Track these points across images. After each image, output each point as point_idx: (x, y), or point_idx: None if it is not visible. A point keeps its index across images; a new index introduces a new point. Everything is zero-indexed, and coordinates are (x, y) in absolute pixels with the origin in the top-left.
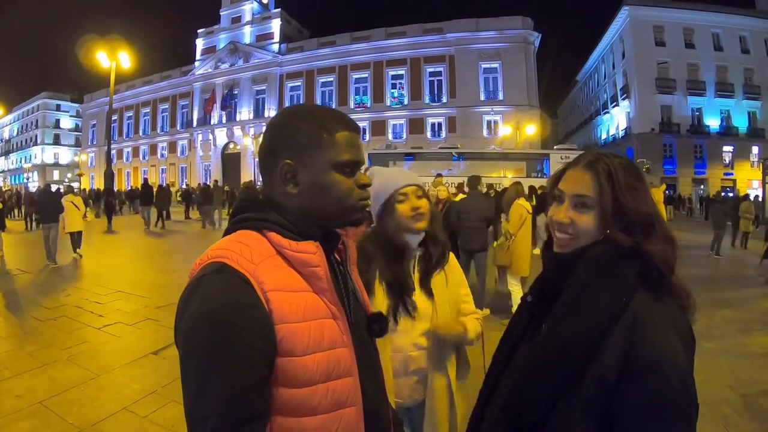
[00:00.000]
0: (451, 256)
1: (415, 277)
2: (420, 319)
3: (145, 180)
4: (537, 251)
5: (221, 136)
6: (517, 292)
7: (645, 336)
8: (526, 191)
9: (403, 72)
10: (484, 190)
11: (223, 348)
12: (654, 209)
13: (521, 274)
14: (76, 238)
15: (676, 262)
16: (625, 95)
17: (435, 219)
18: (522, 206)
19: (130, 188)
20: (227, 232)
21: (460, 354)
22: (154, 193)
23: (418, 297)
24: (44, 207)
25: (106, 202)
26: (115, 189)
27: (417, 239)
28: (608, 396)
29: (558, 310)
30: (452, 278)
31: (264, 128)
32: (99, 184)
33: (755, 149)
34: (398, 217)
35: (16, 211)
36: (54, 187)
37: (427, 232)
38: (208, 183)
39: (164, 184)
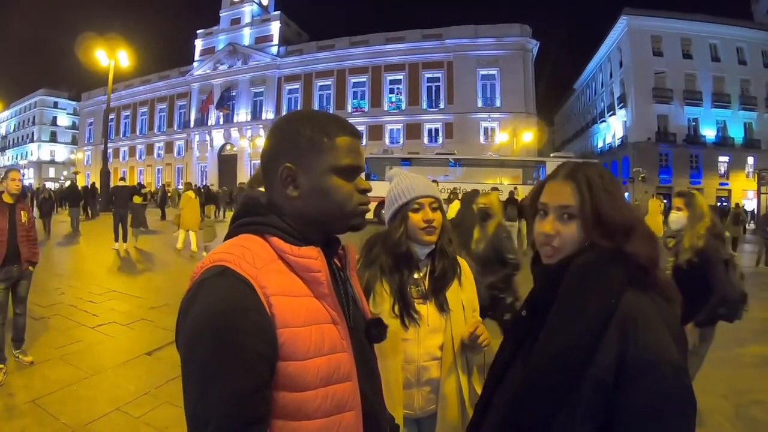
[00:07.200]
0: (465, 265)
1: (426, 288)
2: (433, 332)
3: (71, 182)
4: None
5: (218, 138)
6: None
7: (638, 335)
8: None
9: (401, 77)
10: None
11: (226, 351)
12: (632, 211)
13: None
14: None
15: (659, 259)
16: (622, 104)
17: (446, 233)
18: None
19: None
20: (229, 236)
21: (469, 363)
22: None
23: (431, 309)
24: (70, 198)
25: (41, 201)
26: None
27: (425, 251)
28: (607, 399)
29: (551, 320)
30: (467, 288)
31: (262, 131)
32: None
33: (750, 160)
34: (409, 226)
35: None
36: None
37: (437, 246)
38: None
39: (89, 186)
